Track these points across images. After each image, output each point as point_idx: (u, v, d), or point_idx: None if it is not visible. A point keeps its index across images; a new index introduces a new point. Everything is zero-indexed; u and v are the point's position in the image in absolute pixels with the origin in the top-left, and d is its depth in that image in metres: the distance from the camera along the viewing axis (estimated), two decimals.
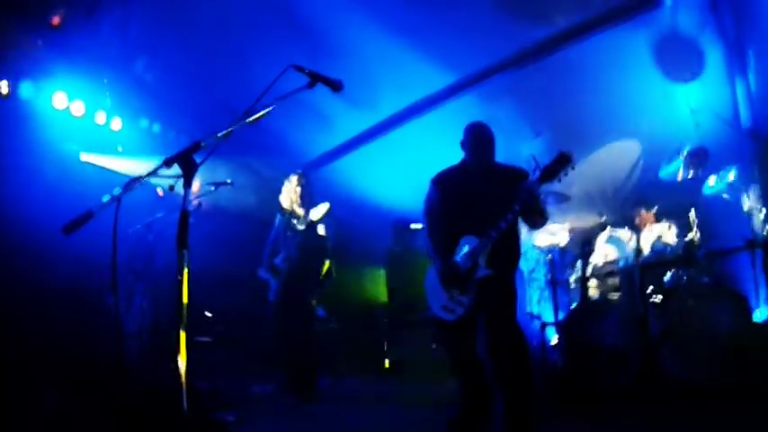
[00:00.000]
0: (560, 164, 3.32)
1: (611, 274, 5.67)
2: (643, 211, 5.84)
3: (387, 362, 7.24)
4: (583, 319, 4.79)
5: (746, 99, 5.74)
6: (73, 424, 3.45)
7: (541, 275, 6.31)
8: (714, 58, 6.02)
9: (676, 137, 5.59)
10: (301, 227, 5.13)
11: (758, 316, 4.73)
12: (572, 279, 6.02)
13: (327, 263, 5.49)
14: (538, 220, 3.64)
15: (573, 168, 3.32)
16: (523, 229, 3.88)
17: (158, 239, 6.13)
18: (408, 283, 7.41)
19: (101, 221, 2.19)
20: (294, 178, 5.50)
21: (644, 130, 6.64)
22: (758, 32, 5.73)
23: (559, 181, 3.36)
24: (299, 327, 5.27)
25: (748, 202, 5.17)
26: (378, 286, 8.06)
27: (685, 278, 4.94)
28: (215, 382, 4.79)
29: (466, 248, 3.49)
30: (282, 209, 5.51)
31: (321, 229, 5.32)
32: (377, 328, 7.70)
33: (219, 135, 2.26)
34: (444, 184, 3.78)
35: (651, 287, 4.89)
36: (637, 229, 5.87)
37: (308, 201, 5.34)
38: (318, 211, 5.17)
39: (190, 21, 5.92)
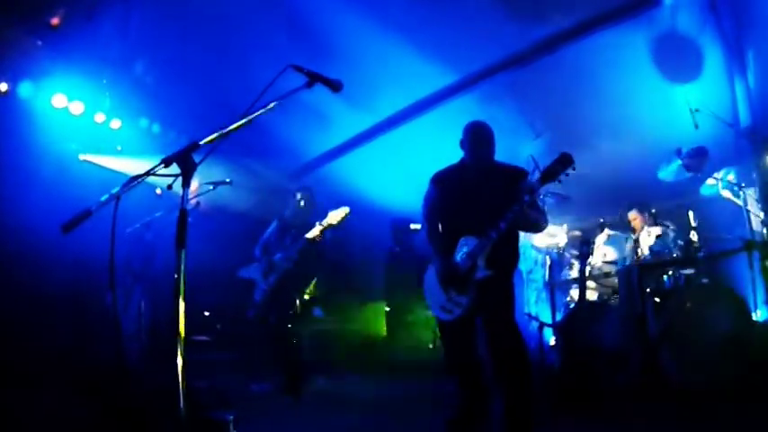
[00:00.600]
0: (561, 164, 3.31)
1: (609, 274, 5.67)
2: (637, 214, 5.85)
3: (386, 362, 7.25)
4: (581, 320, 4.79)
5: (746, 99, 5.75)
6: (74, 427, 3.44)
7: (539, 276, 6.32)
8: (713, 58, 6.03)
9: (675, 137, 5.59)
10: (312, 235, 5.17)
11: (756, 316, 4.73)
12: (570, 280, 6.02)
13: (312, 284, 5.53)
14: (535, 225, 3.63)
15: (574, 169, 3.32)
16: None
17: (157, 239, 6.12)
18: (407, 282, 7.41)
19: (99, 223, 2.19)
20: (298, 194, 5.65)
21: (643, 131, 6.64)
22: (757, 32, 5.74)
23: (559, 182, 3.36)
24: (286, 326, 5.33)
25: (747, 202, 5.17)
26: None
27: (684, 279, 4.94)
28: (213, 382, 4.79)
29: (465, 249, 3.49)
30: (283, 217, 5.64)
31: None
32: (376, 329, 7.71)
33: (218, 134, 2.26)
34: (443, 182, 3.78)
35: (650, 288, 4.89)
36: (634, 231, 5.88)
37: (310, 214, 5.46)
38: (336, 216, 5.18)
39: (189, 21, 5.92)
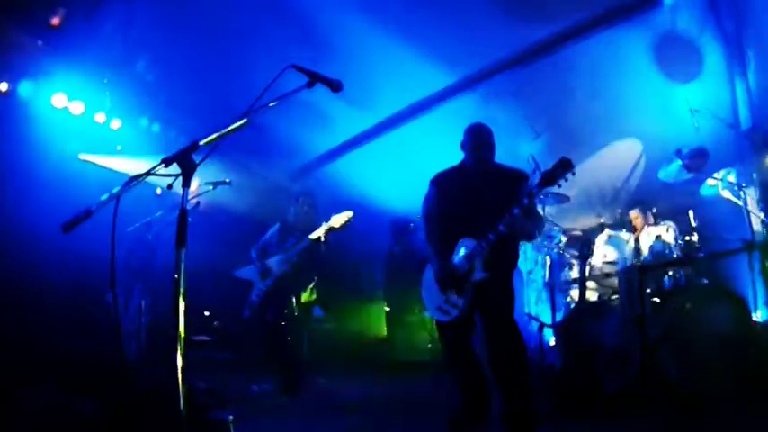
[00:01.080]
0: (561, 169, 3.29)
1: (609, 275, 5.67)
2: (639, 213, 5.85)
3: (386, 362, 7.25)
4: (581, 320, 4.78)
5: (746, 99, 5.75)
6: (73, 426, 3.45)
7: (540, 276, 6.31)
8: (714, 58, 6.03)
9: (676, 138, 5.59)
10: (315, 235, 5.20)
11: (756, 317, 4.73)
12: (570, 280, 6.02)
13: (309, 291, 5.57)
14: (529, 235, 3.63)
15: (573, 174, 3.30)
16: None
17: (157, 238, 6.12)
18: (406, 282, 7.40)
19: (100, 221, 2.19)
20: (301, 199, 5.70)
21: (643, 131, 6.65)
22: (758, 32, 5.74)
23: (559, 186, 3.35)
24: (282, 326, 5.38)
25: (747, 203, 5.17)
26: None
27: (684, 279, 4.94)
28: (213, 382, 4.79)
29: (463, 251, 3.49)
30: (286, 221, 5.69)
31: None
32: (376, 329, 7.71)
33: (218, 135, 2.26)
34: (444, 184, 3.78)
35: (650, 288, 4.88)
36: (634, 231, 5.88)
37: (312, 219, 5.50)
38: (340, 219, 5.21)
39: (189, 21, 5.92)
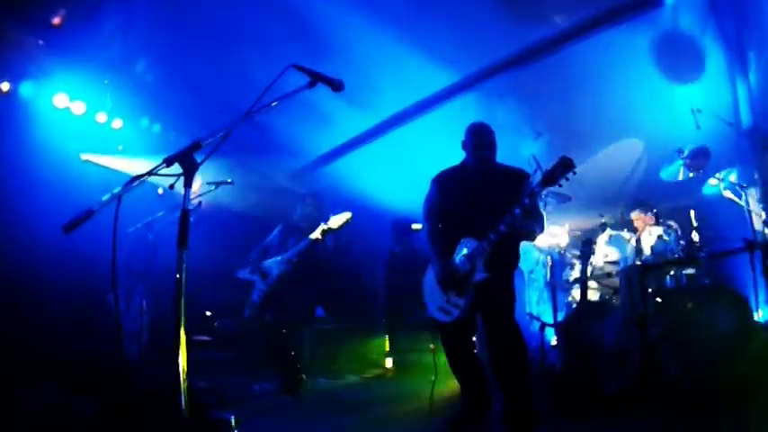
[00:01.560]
0: (562, 168, 3.28)
1: (611, 274, 5.67)
2: (641, 214, 5.86)
3: (387, 362, 7.24)
4: (582, 320, 4.78)
5: (747, 99, 5.75)
6: (74, 426, 3.45)
7: (541, 276, 6.32)
8: (715, 58, 6.02)
9: (677, 137, 5.59)
10: (314, 236, 5.23)
11: (758, 316, 4.73)
12: (572, 280, 6.02)
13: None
14: (530, 234, 3.63)
15: (575, 173, 3.30)
16: None
17: (159, 238, 6.12)
18: (407, 283, 7.38)
19: (101, 220, 2.19)
20: (308, 200, 5.79)
21: (645, 131, 6.64)
22: (759, 32, 5.74)
23: (560, 186, 3.35)
24: (281, 325, 5.40)
25: (749, 202, 5.17)
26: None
27: (685, 279, 4.94)
28: (215, 382, 4.79)
29: (465, 251, 3.49)
30: (288, 221, 5.74)
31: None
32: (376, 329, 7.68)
33: (220, 134, 2.26)
34: (445, 183, 3.78)
35: (651, 288, 4.88)
36: (636, 231, 5.88)
37: (317, 220, 5.49)
38: (338, 220, 5.23)
39: (190, 21, 5.92)
